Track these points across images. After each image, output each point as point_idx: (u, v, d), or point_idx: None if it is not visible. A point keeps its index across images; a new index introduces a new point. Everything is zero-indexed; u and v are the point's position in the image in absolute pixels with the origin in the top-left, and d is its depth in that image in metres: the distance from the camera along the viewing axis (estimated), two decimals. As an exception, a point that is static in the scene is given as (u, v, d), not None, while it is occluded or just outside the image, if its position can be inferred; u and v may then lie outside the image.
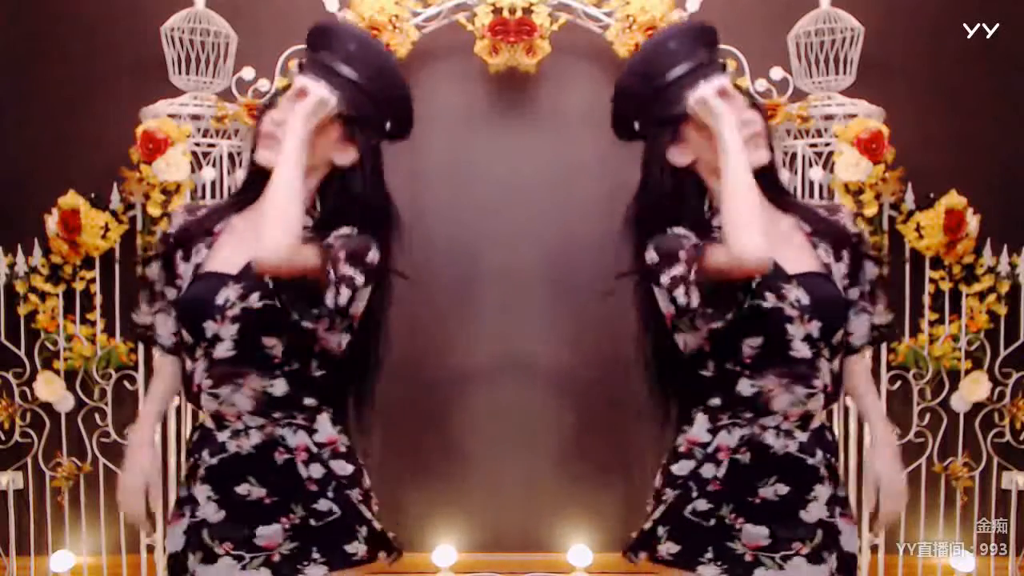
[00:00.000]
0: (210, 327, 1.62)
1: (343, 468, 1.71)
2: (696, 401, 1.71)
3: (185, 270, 1.69)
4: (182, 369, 1.71)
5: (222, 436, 1.67)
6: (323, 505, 1.68)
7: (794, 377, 1.64)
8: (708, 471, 1.69)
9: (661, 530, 1.72)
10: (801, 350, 1.63)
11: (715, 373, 1.67)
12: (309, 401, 1.67)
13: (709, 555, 1.69)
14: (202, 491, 1.68)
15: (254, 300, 1.61)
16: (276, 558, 1.68)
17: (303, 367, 1.65)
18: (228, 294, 1.62)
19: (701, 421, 1.70)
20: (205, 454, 1.68)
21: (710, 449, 1.69)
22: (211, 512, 1.68)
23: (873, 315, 1.74)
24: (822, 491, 1.69)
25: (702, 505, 1.70)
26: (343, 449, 1.71)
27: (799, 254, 1.68)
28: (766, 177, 1.66)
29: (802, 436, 1.68)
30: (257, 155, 1.67)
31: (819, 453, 1.69)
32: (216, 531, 1.67)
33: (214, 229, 1.71)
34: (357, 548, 1.70)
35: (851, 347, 1.75)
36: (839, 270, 1.69)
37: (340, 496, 1.69)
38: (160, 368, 1.83)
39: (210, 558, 1.68)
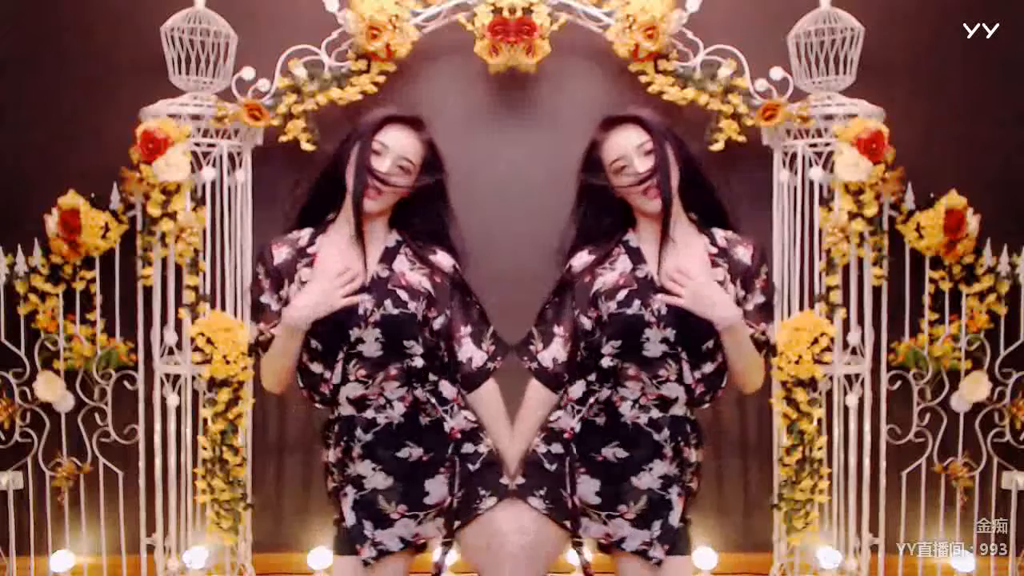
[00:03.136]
0: (354, 333, 1.89)
1: (471, 416, 2.01)
2: (583, 369, 1.99)
3: (293, 289, 1.95)
4: (303, 373, 1.98)
5: (369, 414, 1.93)
6: (468, 448, 1.97)
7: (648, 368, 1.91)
8: (567, 421, 1.98)
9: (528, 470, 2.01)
10: (653, 350, 1.90)
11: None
12: (433, 371, 1.96)
13: (541, 492, 1.95)
14: (365, 466, 1.94)
15: (389, 306, 1.91)
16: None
17: (428, 348, 1.96)
18: (366, 304, 1.90)
19: (579, 384, 1.98)
20: (358, 433, 1.93)
21: (575, 405, 1.98)
22: (380, 480, 1.94)
23: (755, 331, 1.96)
24: (660, 466, 1.94)
25: (556, 448, 1.98)
26: (464, 403, 2.01)
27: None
28: (697, 196, 2.00)
29: (655, 414, 1.93)
30: (365, 204, 1.92)
31: (667, 433, 1.93)
32: (390, 495, 1.93)
33: (309, 251, 1.98)
34: (506, 480, 1.98)
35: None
36: (731, 290, 1.95)
37: (477, 440, 1.99)
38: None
39: (386, 522, 1.94)
